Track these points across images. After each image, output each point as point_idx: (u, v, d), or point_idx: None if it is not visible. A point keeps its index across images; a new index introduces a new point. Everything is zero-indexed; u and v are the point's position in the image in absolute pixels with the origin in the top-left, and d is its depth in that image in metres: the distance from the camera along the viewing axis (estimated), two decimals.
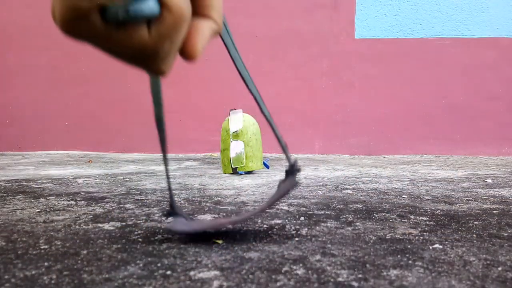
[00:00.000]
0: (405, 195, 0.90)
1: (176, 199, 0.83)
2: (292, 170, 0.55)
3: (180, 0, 0.22)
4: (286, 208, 0.73)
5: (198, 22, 0.26)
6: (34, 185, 1.03)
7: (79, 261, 0.43)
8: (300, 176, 1.27)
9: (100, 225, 0.59)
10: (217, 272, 0.39)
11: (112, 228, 0.58)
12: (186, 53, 0.25)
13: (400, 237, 0.53)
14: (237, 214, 0.68)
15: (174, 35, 0.23)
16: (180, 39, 0.24)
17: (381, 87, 2.57)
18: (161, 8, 0.22)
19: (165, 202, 0.79)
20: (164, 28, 0.22)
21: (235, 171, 1.31)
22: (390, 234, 0.55)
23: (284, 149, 0.55)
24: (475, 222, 0.62)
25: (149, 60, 0.23)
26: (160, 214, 0.67)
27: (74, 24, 0.21)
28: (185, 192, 0.92)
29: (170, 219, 0.52)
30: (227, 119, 1.36)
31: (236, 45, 0.43)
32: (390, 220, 0.63)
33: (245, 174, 1.33)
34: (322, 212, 0.70)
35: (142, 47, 0.22)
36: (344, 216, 0.66)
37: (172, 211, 0.53)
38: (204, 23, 0.26)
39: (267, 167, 1.39)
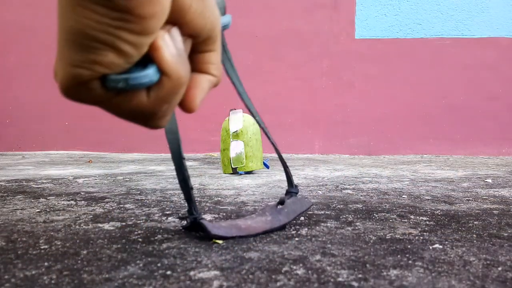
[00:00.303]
0: (405, 195, 0.90)
1: (176, 199, 0.82)
2: (296, 191, 0.63)
3: (179, 67, 0.22)
4: None
5: (197, 76, 0.26)
6: (34, 185, 1.03)
7: (79, 261, 0.43)
8: (300, 178, 1.27)
9: (100, 225, 0.59)
10: (217, 272, 0.39)
11: (112, 228, 0.58)
12: (184, 107, 0.26)
13: (400, 237, 0.53)
14: (238, 215, 0.68)
15: (173, 99, 0.23)
16: (178, 100, 0.24)
17: (381, 87, 2.57)
18: (160, 74, 0.22)
19: (165, 202, 0.79)
20: (162, 93, 0.23)
21: (235, 171, 1.31)
22: (390, 234, 0.55)
23: (288, 173, 0.62)
24: (475, 222, 0.62)
25: (147, 120, 0.24)
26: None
27: (75, 91, 0.21)
28: None
29: (206, 222, 0.52)
30: (227, 119, 1.36)
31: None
32: (390, 220, 0.63)
33: (245, 174, 1.33)
34: (322, 212, 0.70)
35: (141, 110, 0.23)
36: (344, 216, 0.66)
37: (198, 216, 0.52)
38: (203, 77, 0.26)
39: (267, 167, 1.39)
